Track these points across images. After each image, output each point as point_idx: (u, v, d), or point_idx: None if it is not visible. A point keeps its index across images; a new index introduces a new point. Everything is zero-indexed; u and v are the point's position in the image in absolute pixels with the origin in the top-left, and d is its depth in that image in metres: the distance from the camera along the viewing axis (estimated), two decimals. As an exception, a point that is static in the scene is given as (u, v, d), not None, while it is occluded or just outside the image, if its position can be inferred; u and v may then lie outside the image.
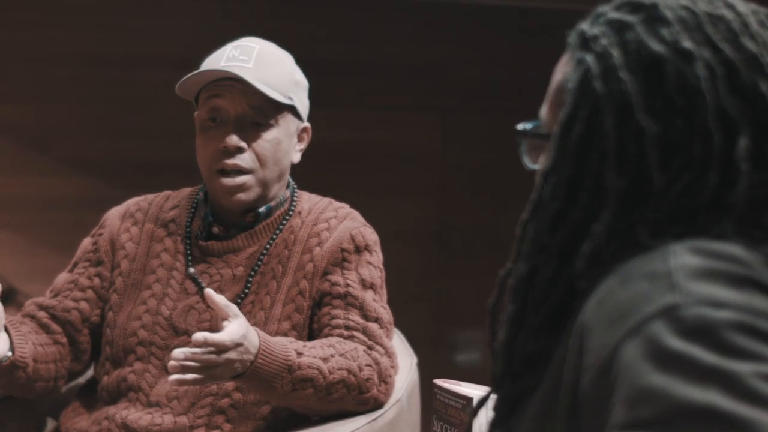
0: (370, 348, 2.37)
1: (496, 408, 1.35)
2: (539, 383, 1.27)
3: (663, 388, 1.02)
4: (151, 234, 2.54)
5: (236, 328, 2.15)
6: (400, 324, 2.61)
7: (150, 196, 2.65)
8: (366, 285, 2.43)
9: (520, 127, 1.38)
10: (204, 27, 5.77)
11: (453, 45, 6.23)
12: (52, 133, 5.62)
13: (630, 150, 1.20)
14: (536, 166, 1.38)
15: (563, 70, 1.32)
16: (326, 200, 2.57)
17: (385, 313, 2.45)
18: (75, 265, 2.58)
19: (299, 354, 2.26)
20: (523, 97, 6.39)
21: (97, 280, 2.54)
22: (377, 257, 2.51)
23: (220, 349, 2.13)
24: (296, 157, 2.52)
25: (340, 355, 2.31)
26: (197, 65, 2.49)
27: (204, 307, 2.43)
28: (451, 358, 6.19)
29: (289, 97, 2.44)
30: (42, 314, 2.52)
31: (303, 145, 2.54)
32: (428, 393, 2.69)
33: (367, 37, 6.09)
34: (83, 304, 2.52)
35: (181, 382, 2.15)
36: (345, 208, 2.56)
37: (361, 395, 2.34)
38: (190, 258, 2.48)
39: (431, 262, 6.18)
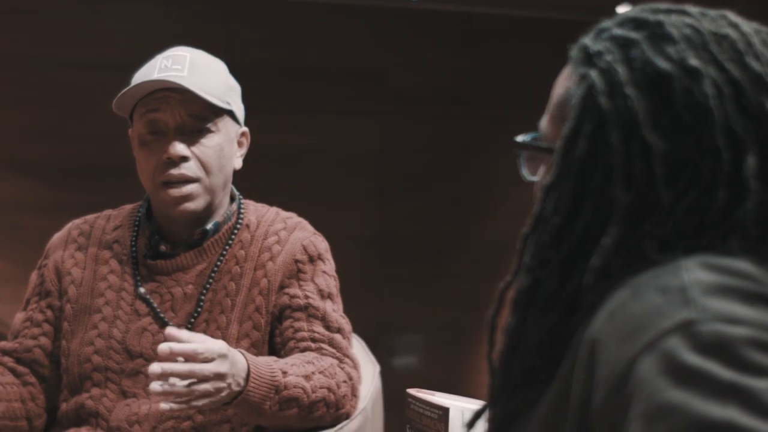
0: (340, 361, 2.36)
1: (492, 422, 1.35)
2: (538, 398, 1.27)
3: (681, 404, 1.03)
4: (96, 257, 2.49)
5: (214, 341, 2.11)
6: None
7: (90, 218, 2.59)
8: (324, 295, 2.42)
9: (519, 138, 1.39)
10: (146, 29, 5.73)
11: (392, 50, 6.25)
12: (-11, 134, 5.55)
13: (636, 166, 1.21)
14: (534, 178, 1.39)
15: (565, 84, 1.33)
16: (273, 210, 2.55)
17: (345, 322, 2.44)
18: (27, 302, 2.54)
19: (284, 373, 2.24)
20: (461, 103, 6.44)
21: (49, 312, 2.49)
22: (330, 265, 2.50)
23: (201, 359, 2.06)
24: (238, 163, 2.49)
25: (320, 373, 2.29)
26: (139, 67, 2.44)
27: (157, 328, 2.39)
28: (390, 363, 6.20)
29: (227, 102, 2.41)
30: (6, 359, 2.48)
31: (243, 150, 2.51)
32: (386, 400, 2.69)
33: (308, 42, 6.09)
34: (43, 340, 2.48)
35: (170, 410, 2.08)
36: (293, 218, 2.53)
37: (337, 411, 2.33)
38: (138, 278, 2.44)
39: (369, 268, 6.19)
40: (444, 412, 1.87)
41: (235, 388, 2.14)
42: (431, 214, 6.34)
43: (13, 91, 5.59)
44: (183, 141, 2.36)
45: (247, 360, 2.17)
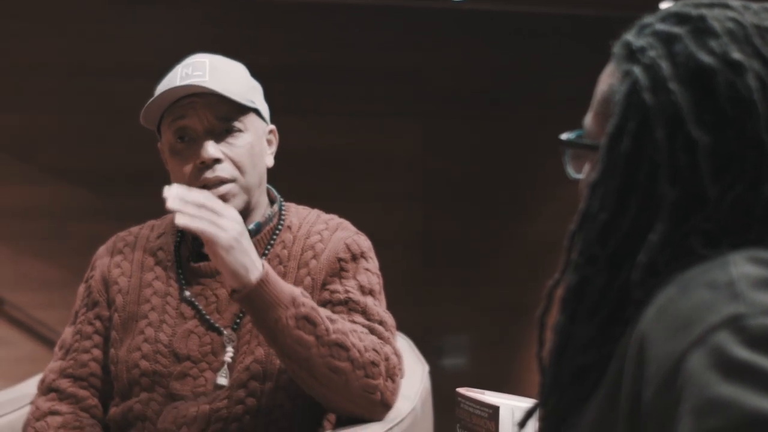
0: (380, 344, 2.35)
1: (545, 420, 1.35)
2: (589, 395, 1.27)
3: (732, 398, 1.03)
4: (141, 265, 2.50)
5: None
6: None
7: (134, 229, 2.61)
8: (365, 291, 2.41)
9: (564, 136, 1.39)
10: (186, 35, 5.76)
11: (433, 51, 6.24)
12: (36, 142, 5.60)
13: (682, 161, 1.21)
14: (580, 176, 1.39)
15: (608, 81, 1.33)
16: (315, 212, 2.55)
17: (388, 317, 2.43)
18: (76, 314, 2.55)
19: (304, 296, 2.26)
20: (504, 103, 6.42)
21: (98, 323, 2.50)
22: (374, 263, 2.49)
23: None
24: (269, 161, 2.48)
25: (351, 331, 2.29)
26: None
27: (204, 330, 2.40)
28: (438, 363, 6.20)
29: (251, 101, 2.42)
30: (65, 383, 2.49)
31: (273, 148, 2.50)
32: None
33: (347, 44, 6.10)
34: (95, 352, 2.49)
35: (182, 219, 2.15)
36: (334, 219, 2.53)
37: (366, 379, 2.29)
38: (183, 281, 2.46)
39: (413, 268, 6.19)
40: (494, 410, 1.86)
41: (254, 258, 2.20)
42: (475, 215, 6.34)
43: (58, 98, 5.64)
44: (214, 143, 2.37)
45: (264, 265, 2.22)
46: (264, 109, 2.48)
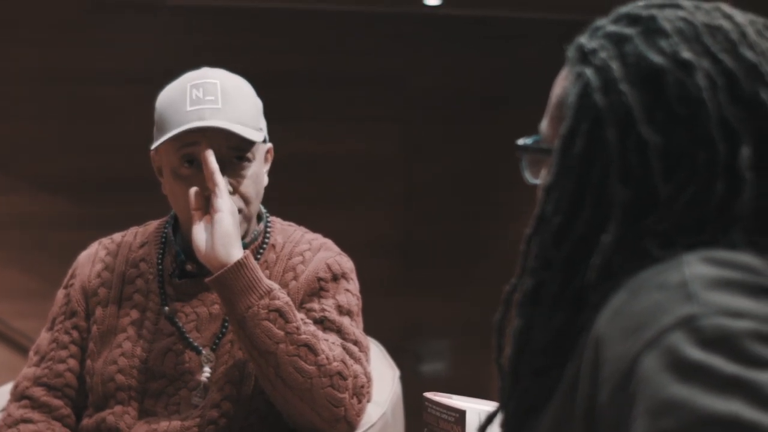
0: (351, 361, 2.34)
1: (504, 425, 1.35)
2: (548, 399, 1.27)
3: (685, 400, 1.02)
4: (122, 276, 2.48)
5: None
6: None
7: (116, 236, 2.57)
8: (343, 311, 2.39)
9: (520, 142, 1.39)
10: (165, 41, 5.75)
11: (413, 55, 6.24)
12: (12, 150, 5.58)
13: (633, 162, 1.21)
14: (537, 181, 1.39)
15: (562, 84, 1.33)
16: (299, 231, 2.53)
17: (364, 338, 2.41)
18: (53, 321, 2.52)
19: (282, 293, 2.28)
20: (483, 107, 6.42)
21: (75, 333, 2.48)
22: (354, 285, 2.47)
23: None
24: (266, 180, 2.46)
25: (323, 339, 2.30)
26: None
27: (181, 348, 2.39)
28: (416, 368, 6.20)
29: (260, 128, 2.39)
30: (38, 391, 2.47)
31: (268, 166, 2.47)
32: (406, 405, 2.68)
33: (328, 49, 6.09)
34: (71, 362, 2.48)
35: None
36: (318, 239, 2.51)
37: (332, 389, 2.28)
38: (164, 297, 2.44)
39: (394, 273, 6.18)
40: (461, 414, 1.87)
41: (238, 243, 2.27)
42: (455, 217, 6.33)
43: (34, 105, 5.62)
44: (223, 173, 2.31)
45: (246, 252, 2.28)
46: (265, 129, 2.45)
